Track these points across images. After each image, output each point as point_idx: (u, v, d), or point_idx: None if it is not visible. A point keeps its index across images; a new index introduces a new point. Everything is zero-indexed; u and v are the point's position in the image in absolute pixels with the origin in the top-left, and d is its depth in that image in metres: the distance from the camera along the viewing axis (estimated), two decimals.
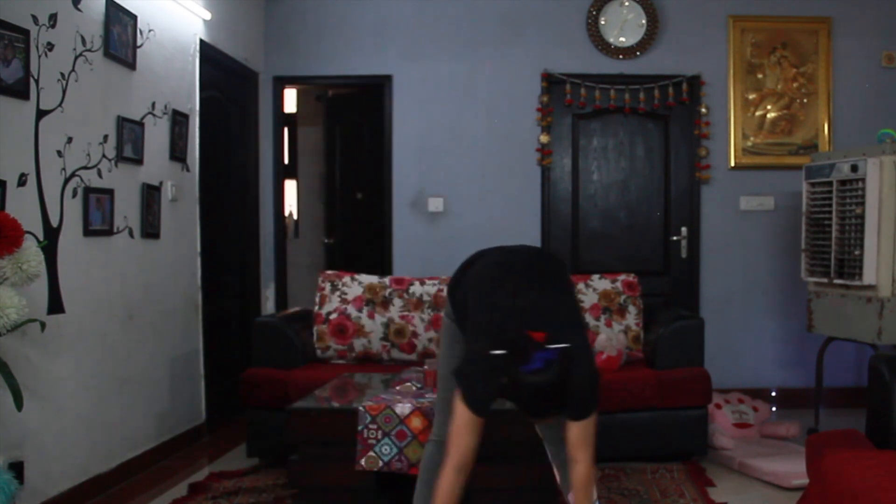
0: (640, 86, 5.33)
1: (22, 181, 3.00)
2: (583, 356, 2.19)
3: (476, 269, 2.47)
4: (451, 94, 5.43)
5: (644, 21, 5.33)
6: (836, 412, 4.58)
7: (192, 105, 4.51)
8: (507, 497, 3.06)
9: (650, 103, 5.35)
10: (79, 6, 3.36)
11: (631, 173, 5.47)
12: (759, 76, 5.37)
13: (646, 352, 4.19)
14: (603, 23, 5.35)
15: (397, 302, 4.25)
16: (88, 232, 3.44)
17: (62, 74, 3.25)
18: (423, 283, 4.32)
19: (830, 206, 4.11)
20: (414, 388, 3.32)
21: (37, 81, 3.08)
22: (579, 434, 2.26)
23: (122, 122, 3.70)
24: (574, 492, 2.34)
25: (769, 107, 5.38)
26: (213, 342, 4.72)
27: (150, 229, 3.99)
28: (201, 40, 4.59)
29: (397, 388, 3.35)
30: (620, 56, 5.37)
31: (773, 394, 5.25)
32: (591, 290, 4.30)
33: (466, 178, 5.43)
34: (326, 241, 6.58)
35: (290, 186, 6.88)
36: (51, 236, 3.19)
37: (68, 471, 3.29)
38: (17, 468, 2.84)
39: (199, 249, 4.58)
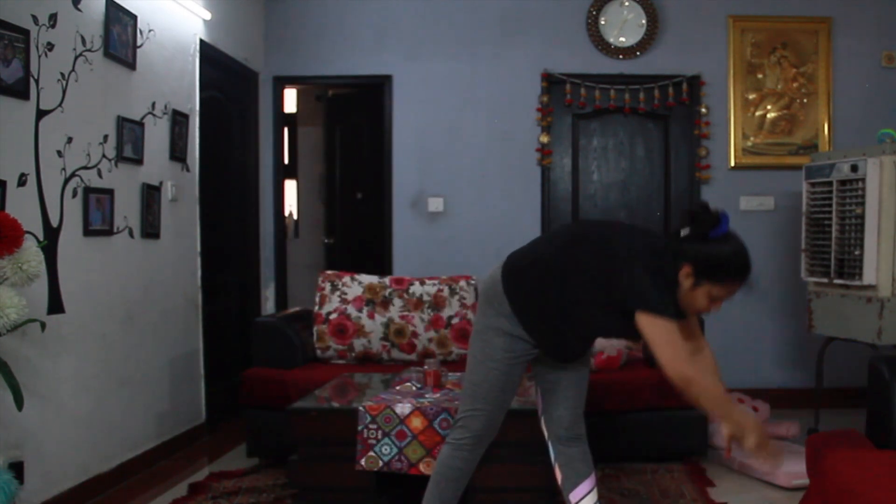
0: (640, 86, 5.33)
1: (22, 181, 3.01)
2: None
3: (550, 250, 2.44)
4: (451, 94, 5.43)
5: (644, 21, 5.33)
6: (836, 412, 4.58)
7: (192, 105, 4.52)
8: (507, 497, 3.06)
9: (650, 103, 5.35)
10: (79, 6, 3.36)
11: (631, 173, 5.47)
12: (759, 76, 5.37)
13: (646, 352, 4.19)
14: (603, 23, 5.35)
15: (397, 302, 4.25)
16: (88, 232, 3.45)
17: (62, 74, 3.25)
18: (423, 283, 4.32)
19: (830, 206, 4.10)
20: (414, 388, 3.32)
21: (37, 81, 3.08)
22: (694, 322, 2.42)
23: (122, 122, 3.70)
24: (711, 374, 2.39)
25: (769, 107, 5.38)
26: (213, 342, 4.72)
27: (150, 229, 3.99)
28: (201, 40, 4.59)
29: (397, 388, 3.35)
30: (620, 56, 5.37)
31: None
32: None
33: (466, 178, 5.43)
34: (326, 241, 6.58)
35: (290, 186, 6.88)
36: (51, 236, 3.19)
37: (68, 471, 3.29)
38: (17, 468, 2.83)
39: (199, 249, 4.58)
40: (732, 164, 5.37)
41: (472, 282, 4.39)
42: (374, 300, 4.26)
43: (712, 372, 2.41)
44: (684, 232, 2.22)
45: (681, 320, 2.30)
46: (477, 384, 2.48)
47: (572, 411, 2.58)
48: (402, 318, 4.22)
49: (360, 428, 3.01)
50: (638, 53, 5.36)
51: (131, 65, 3.81)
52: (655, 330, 2.19)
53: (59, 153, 3.24)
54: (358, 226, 6.22)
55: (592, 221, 2.54)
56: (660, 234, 2.35)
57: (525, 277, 2.42)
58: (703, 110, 5.35)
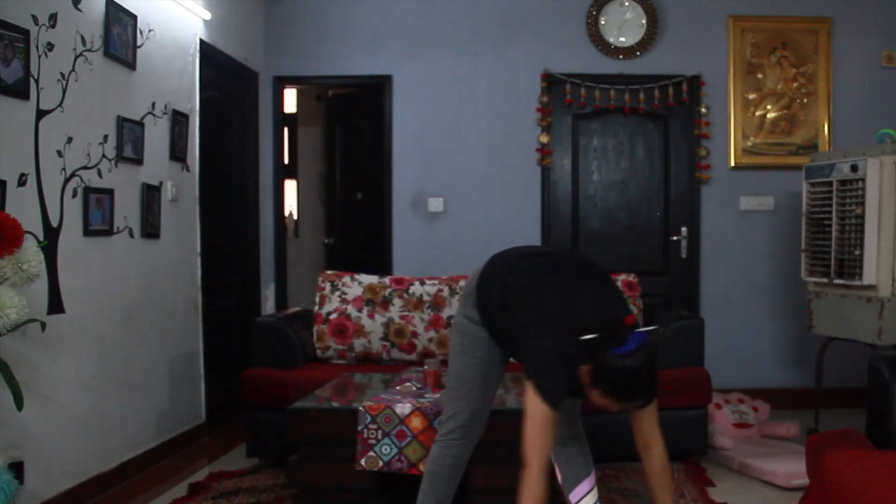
0: (640, 86, 5.33)
1: (22, 181, 3.00)
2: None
3: (523, 269, 2.43)
4: (451, 94, 5.43)
5: (644, 21, 5.33)
6: (836, 412, 4.58)
7: (192, 105, 4.52)
8: (507, 497, 3.05)
9: (650, 103, 5.35)
10: (79, 6, 3.36)
11: (631, 173, 5.47)
12: (759, 76, 5.37)
13: None
14: (603, 23, 5.35)
15: (397, 302, 4.25)
16: (88, 232, 3.44)
17: (62, 74, 3.25)
18: (423, 283, 4.32)
19: (830, 206, 4.10)
20: (414, 388, 3.32)
21: (37, 81, 3.08)
22: (651, 418, 2.33)
23: (122, 122, 3.70)
24: (656, 476, 2.35)
25: (769, 107, 5.38)
26: (213, 342, 4.72)
27: (150, 229, 3.99)
28: (201, 40, 4.59)
29: (397, 388, 3.35)
30: (620, 56, 5.37)
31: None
32: None
33: (466, 178, 5.43)
34: (326, 241, 6.58)
35: (290, 186, 6.88)
36: (51, 236, 3.19)
37: (68, 471, 3.29)
38: (17, 468, 2.84)
39: (199, 249, 4.58)
40: (732, 164, 5.37)
41: None
42: (374, 300, 4.26)
43: (658, 473, 2.36)
44: (588, 336, 2.11)
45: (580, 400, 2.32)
46: (460, 376, 2.52)
47: (566, 412, 2.57)
48: (402, 318, 4.22)
49: (360, 428, 3.01)
50: (638, 53, 5.36)
51: (131, 65, 3.81)
52: (532, 405, 2.21)
53: (59, 153, 3.24)
54: (358, 226, 6.22)
55: (563, 263, 2.48)
56: (604, 311, 2.27)
57: (492, 287, 2.46)
58: (703, 110, 5.35)
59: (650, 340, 2.10)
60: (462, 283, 4.33)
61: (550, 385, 2.18)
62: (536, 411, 2.19)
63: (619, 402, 2.15)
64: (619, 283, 4.32)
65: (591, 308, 2.27)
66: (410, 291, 4.29)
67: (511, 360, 2.57)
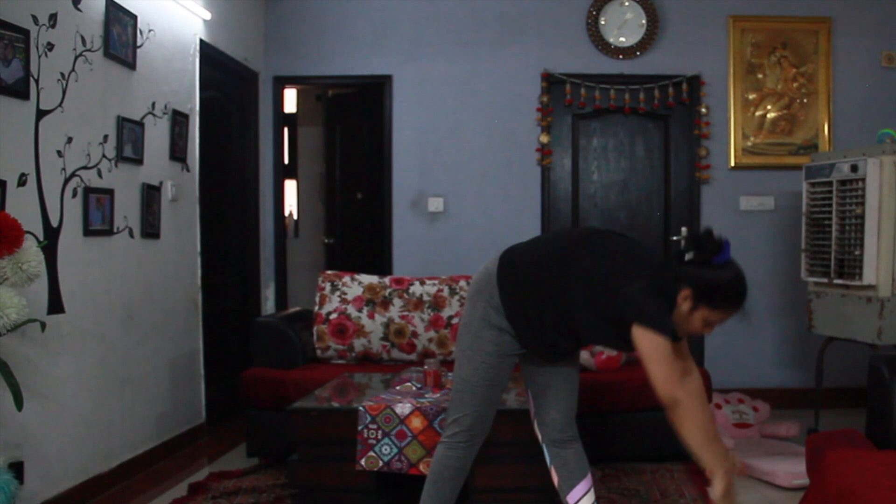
0: (640, 86, 5.33)
1: (22, 181, 3.01)
2: None
3: (562, 243, 2.44)
4: (451, 94, 5.43)
5: (644, 21, 5.33)
6: (836, 412, 4.59)
7: (192, 105, 4.52)
8: (507, 497, 3.06)
9: (650, 103, 5.35)
10: (79, 6, 3.36)
11: (631, 173, 5.48)
12: (759, 76, 5.37)
13: None
14: (603, 23, 5.36)
15: (397, 302, 4.25)
16: (88, 232, 3.45)
17: (62, 74, 3.25)
18: (423, 283, 4.32)
19: (830, 206, 4.11)
20: (414, 388, 3.32)
21: (37, 81, 3.08)
22: (685, 345, 2.43)
23: (122, 122, 3.70)
24: (695, 399, 2.36)
25: (769, 107, 5.38)
26: (213, 342, 4.72)
27: (150, 229, 3.99)
28: (201, 40, 4.59)
29: (397, 388, 3.35)
30: (620, 56, 5.37)
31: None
32: None
33: (466, 178, 5.43)
34: (326, 241, 6.58)
35: (290, 186, 6.88)
36: (51, 236, 3.19)
37: (68, 471, 3.30)
38: (17, 468, 2.84)
39: (199, 249, 4.58)
40: (732, 164, 5.37)
41: None
42: (374, 300, 4.26)
43: (699, 397, 2.39)
44: (688, 256, 2.22)
45: (676, 342, 2.31)
46: (466, 379, 2.49)
47: (564, 413, 2.57)
48: (402, 318, 4.22)
49: (360, 428, 3.01)
50: (638, 53, 5.36)
51: (131, 65, 3.81)
52: (651, 345, 2.20)
53: (59, 153, 3.24)
54: (358, 226, 6.22)
55: (599, 230, 2.51)
56: (660, 254, 2.40)
57: (522, 271, 2.43)
58: (703, 110, 5.35)
59: None
60: (462, 283, 4.33)
61: (658, 315, 2.20)
62: (655, 348, 2.19)
63: (729, 311, 2.26)
64: None
65: (648, 249, 2.35)
66: (410, 291, 4.29)
67: (517, 361, 2.56)
